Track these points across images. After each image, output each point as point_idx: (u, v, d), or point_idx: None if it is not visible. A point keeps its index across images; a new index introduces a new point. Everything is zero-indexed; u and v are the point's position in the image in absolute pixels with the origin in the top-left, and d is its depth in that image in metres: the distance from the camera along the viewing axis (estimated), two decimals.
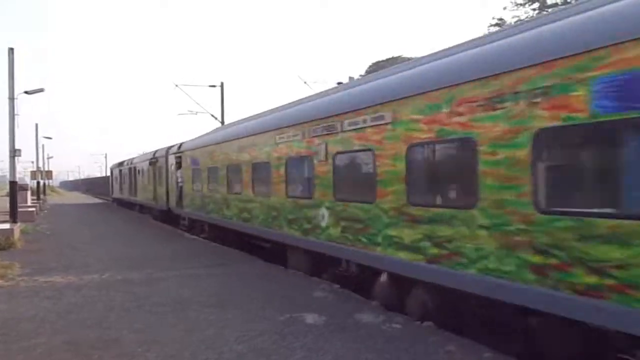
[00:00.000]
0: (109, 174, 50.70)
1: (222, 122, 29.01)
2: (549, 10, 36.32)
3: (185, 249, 13.81)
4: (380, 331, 6.12)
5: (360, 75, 48.22)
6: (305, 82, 25.57)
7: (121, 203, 37.25)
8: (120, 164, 37.44)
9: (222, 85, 30.04)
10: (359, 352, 5.41)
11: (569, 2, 35.61)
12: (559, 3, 36.70)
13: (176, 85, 28.07)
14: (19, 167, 20.16)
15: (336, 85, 28.06)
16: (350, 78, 29.80)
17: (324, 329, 6.23)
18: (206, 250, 13.58)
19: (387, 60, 50.48)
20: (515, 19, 38.96)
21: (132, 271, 10.31)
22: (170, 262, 11.48)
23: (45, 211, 31.38)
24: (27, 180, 43.85)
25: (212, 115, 29.77)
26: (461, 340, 5.70)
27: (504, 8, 45.88)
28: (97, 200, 50.35)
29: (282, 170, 10.12)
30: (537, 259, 4.74)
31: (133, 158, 31.89)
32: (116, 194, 39.72)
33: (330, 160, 8.34)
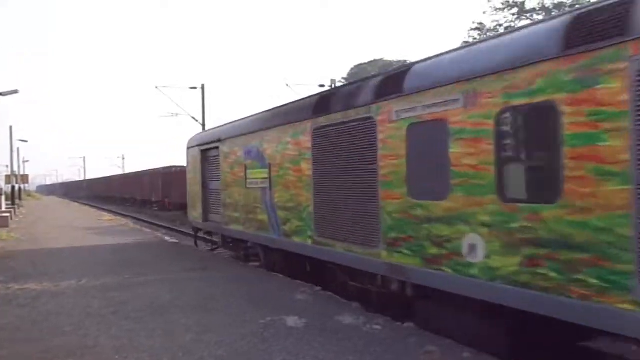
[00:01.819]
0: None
1: (203, 125, 28.88)
2: (527, 15, 37.03)
3: None
4: (361, 332, 6.13)
5: (343, 78, 48.42)
6: (287, 85, 25.65)
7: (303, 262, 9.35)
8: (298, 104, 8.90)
9: (203, 87, 29.97)
10: (339, 354, 5.40)
11: (547, 7, 36.37)
12: (537, 8, 37.42)
13: (156, 87, 28.08)
14: None
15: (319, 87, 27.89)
16: (332, 81, 29.86)
17: (304, 331, 6.21)
18: None
19: (370, 62, 50.75)
20: (495, 23, 39.52)
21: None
22: None
23: None
24: (2, 184, 42.76)
25: (193, 118, 29.67)
26: (441, 341, 5.73)
27: (484, 12, 46.69)
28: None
29: None
30: None
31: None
32: (255, 228, 10.05)
33: None
